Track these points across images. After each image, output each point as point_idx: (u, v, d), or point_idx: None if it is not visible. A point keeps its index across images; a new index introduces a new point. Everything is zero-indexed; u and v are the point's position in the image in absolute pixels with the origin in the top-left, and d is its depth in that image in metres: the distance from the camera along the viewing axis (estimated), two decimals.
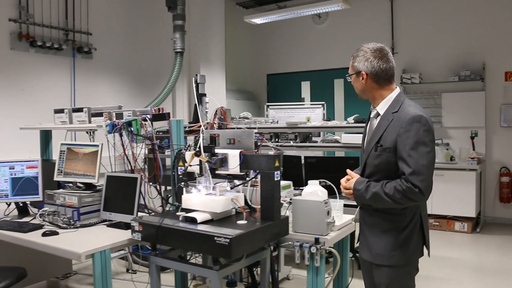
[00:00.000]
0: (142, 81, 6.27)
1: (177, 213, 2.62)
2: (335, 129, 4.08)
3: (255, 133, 2.77)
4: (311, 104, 7.05)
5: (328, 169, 4.14)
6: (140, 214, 2.91)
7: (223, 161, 2.72)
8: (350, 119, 4.05)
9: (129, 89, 6.13)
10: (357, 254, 3.25)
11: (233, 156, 2.68)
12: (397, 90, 2.19)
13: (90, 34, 5.54)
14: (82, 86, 5.45)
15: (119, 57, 5.94)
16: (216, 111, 4.82)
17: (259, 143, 2.79)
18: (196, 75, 5.58)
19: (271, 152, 2.60)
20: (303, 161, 4.36)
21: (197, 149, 2.69)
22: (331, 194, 2.80)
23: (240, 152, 2.65)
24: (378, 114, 2.19)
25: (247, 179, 2.72)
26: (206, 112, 5.42)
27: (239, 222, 2.53)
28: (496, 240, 5.60)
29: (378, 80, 2.15)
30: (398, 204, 2.02)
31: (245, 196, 2.73)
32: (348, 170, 2.32)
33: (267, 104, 7.16)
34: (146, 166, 3.34)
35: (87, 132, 3.55)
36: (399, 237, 2.10)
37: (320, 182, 3.08)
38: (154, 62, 6.42)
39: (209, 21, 6.84)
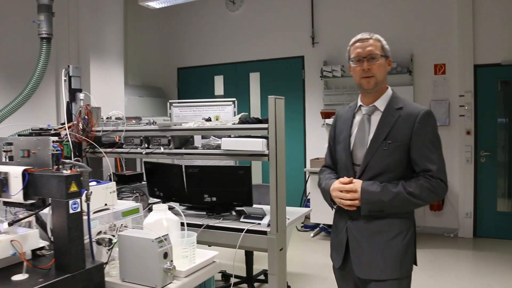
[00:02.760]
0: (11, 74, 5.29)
1: None
2: (215, 132, 3.33)
3: (54, 142, 1.95)
4: (221, 101, 6.38)
5: (214, 181, 3.49)
6: None
7: (3, 183, 1.89)
8: (236, 119, 3.31)
9: None
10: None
11: (15, 177, 1.85)
12: (389, 87, 2.15)
13: None
14: None
15: None
16: (80, 110, 3.99)
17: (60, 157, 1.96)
18: (68, 66, 4.66)
19: (67, 171, 1.80)
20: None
21: None
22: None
23: (25, 171, 1.83)
24: (374, 110, 2.09)
25: (40, 209, 1.90)
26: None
27: (16, 278, 1.73)
28: (426, 254, 5.07)
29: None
30: (422, 203, 1.97)
31: (47, 231, 1.92)
32: (342, 179, 2.08)
33: (170, 101, 6.40)
34: None
35: None
36: (404, 244, 1.99)
37: (169, 207, 2.33)
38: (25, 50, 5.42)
39: (102, 3, 5.92)
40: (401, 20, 5.99)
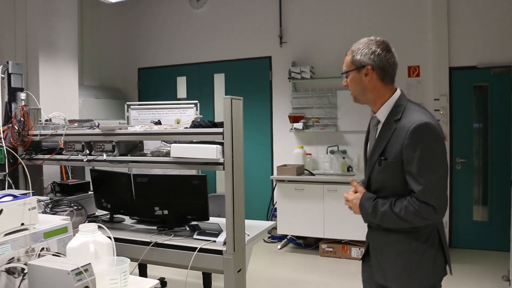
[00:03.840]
0: None
1: None
2: (164, 137, 2.97)
3: None
4: (182, 103, 6.06)
5: (165, 192, 3.18)
6: None
7: None
8: (189, 122, 2.97)
9: None
10: None
11: None
12: (398, 92, 2.00)
13: None
14: None
15: None
16: (16, 112, 3.60)
17: None
18: (7, 62, 4.23)
19: None
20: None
21: None
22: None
23: None
24: (378, 121, 2.02)
25: None
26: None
27: None
28: None
29: (384, 77, 1.98)
30: (411, 224, 1.87)
31: None
32: (353, 182, 2.11)
33: (127, 103, 6.00)
34: None
35: None
36: (416, 258, 1.91)
37: (99, 227, 1.99)
38: None
39: None
40: (373, 20, 5.77)
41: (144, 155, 3.23)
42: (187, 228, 3.14)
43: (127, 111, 6.11)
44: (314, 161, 5.93)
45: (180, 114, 6.00)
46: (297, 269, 4.95)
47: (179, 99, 6.88)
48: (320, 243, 5.29)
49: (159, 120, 3.33)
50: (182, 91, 7.02)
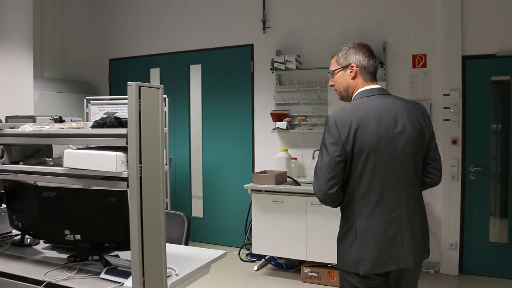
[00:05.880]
0: None
1: None
2: (55, 139, 2.18)
3: None
4: None
5: (77, 211, 2.50)
6: None
7: None
8: (98, 119, 2.18)
9: None
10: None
11: None
12: (360, 91, 2.23)
13: None
14: None
15: None
16: None
17: None
18: None
19: None
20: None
21: None
22: None
23: None
24: None
25: None
26: None
27: None
28: None
29: (365, 74, 2.24)
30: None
31: None
32: None
33: (86, 97, 5.29)
34: None
35: None
36: (338, 237, 2.22)
37: None
38: None
39: None
40: (372, 1, 4.92)
41: (45, 163, 2.48)
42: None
43: (87, 107, 5.38)
44: (300, 166, 5.09)
45: None
46: None
47: None
48: (302, 266, 4.46)
49: (60, 117, 2.53)
50: (155, 83, 6.24)
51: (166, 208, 5.35)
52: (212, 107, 5.75)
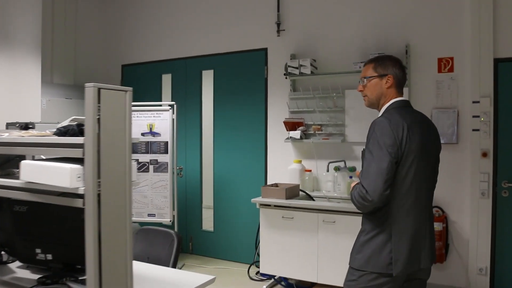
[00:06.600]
0: None
1: None
2: (10, 148, 1.94)
3: None
4: (155, 105, 5.16)
5: (47, 228, 2.26)
6: None
7: None
8: (62, 125, 1.94)
9: None
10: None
11: None
12: (395, 101, 2.32)
13: None
14: None
15: None
16: None
17: None
18: None
19: None
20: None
21: None
22: None
23: None
24: None
25: None
26: None
27: None
28: None
29: (398, 86, 2.35)
30: (359, 205, 2.19)
31: None
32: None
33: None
34: None
35: None
36: (363, 240, 2.25)
37: None
38: None
39: None
40: (393, 0, 4.57)
41: (12, 174, 2.25)
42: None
43: None
44: (315, 179, 4.75)
45: (153, 118, 5.08)
46: None
47: (164, 100, 5.90)
48: None
49: (26, 124, 2.29)
50: (167, 90, 6.03)
51: (172, 221, 5.11)
52: (224, 114, 5.49)
